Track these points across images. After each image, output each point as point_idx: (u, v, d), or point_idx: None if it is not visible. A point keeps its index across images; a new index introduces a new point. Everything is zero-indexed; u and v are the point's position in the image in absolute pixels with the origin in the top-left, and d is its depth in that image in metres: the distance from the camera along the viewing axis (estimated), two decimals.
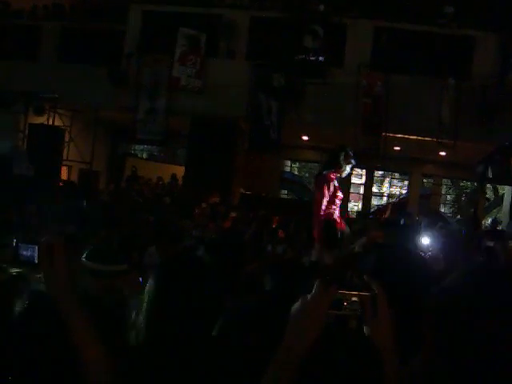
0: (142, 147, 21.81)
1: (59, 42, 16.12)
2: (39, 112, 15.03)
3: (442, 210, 21.47)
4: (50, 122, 15.83)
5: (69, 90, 14.76)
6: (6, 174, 13.44)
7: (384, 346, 1.47)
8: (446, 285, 1.39)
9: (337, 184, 6.68)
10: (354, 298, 1.45)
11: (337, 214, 6.64)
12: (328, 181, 6.56)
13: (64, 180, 16.21)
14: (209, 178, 13.82)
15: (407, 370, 1.52)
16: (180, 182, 16.40)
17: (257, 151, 15.04)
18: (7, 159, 13.98)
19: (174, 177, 16.97)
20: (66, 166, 16.87)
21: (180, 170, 16.70)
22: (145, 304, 1.85)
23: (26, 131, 15.41)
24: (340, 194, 6.74)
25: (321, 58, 14.24)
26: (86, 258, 3.03)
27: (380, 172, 21.23)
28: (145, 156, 21.95)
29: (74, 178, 16.87)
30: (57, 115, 15.89)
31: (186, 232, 8.56)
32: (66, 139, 15.89)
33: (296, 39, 14.19)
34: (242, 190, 15.88)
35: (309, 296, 1.45)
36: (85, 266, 2.99)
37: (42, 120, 15.46)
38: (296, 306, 1.46)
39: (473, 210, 15.89)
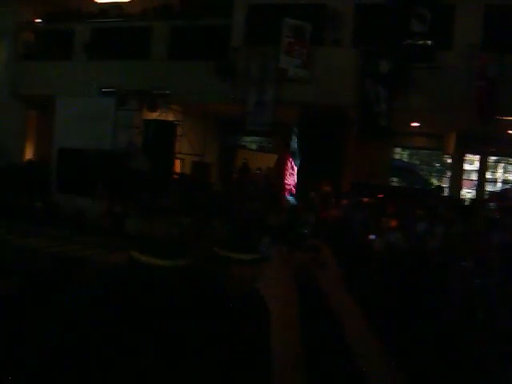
0: (251, 138, 22.12)
1: (169, 40, 16.71)
2: (153, 108, 15.62)
3: None
4: (164, 117, 16.42)
5: (180, 85, 15.29)
6: (124, 168, 14.19)
7: (335, 295, 1.54)
8: None
9: None
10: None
11: None
12: None
13: (178, 172, 16.78)
14: (318, 167, 13.85)
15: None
16: None
17: (366, 139, 14.92)
18: (125, 154, 14.72)
19: None
20: (179, 159, 17.41)
21: None
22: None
23: (142, 127, 16.09)
24: None
25: (429, 42, 13.92)
26: (221, 247, 3.09)
27: (494, 157, 20.44)
28: (254, 147, 22.22)
29: (187, 170, 17.41)
30: (169, 110, 16.47)
31: (300, 220, 8.72)
32: (179, 133, 16.43)
33: (402, 24, 13.94)
34: (352, 179, 15.82)
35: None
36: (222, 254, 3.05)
37: (155, 115, 16.05)
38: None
39: None
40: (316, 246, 1.60)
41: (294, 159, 9.23)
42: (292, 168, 9.40)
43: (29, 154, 19.54)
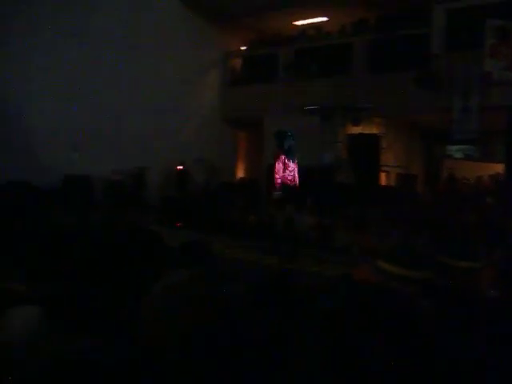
0: (457, 147, 21.46)
1: (368, 54, 16.93)
2: (356, 122, 15.99)
3: None
4: (367, 131, 16.69)
5: (382, 98, 15.46)
6: (331, 182, 14.69)
7: None
8: None
9: None
10: None
11: None
12: None
13: (383, 185, 16.89)
14: None
15: None
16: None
17: None
18: (330, 169, 15.23)
19: (492, 177, 16.46)
20: (384, 171, 17.53)
21: (500, 168, 16.10)
22: None
23: (346, 141, 16.47)
24: None
25: None
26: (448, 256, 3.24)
27: None
28: (461, 156, 21.52)
29: (393, 182, 17.46)
30: (373, 123, 16.70)
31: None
32: (383, 146, 16.60)
33: None
34: None
35: None
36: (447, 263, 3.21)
37: (358, 129, 16.38)
38: None
39: None
40: None
41: (288, 156, 9.56)
42: (285, 163, 9.70)
43: (240, 172, 20.92)
